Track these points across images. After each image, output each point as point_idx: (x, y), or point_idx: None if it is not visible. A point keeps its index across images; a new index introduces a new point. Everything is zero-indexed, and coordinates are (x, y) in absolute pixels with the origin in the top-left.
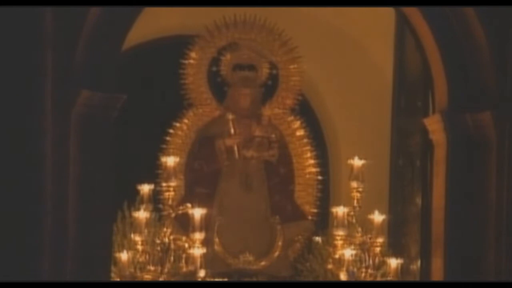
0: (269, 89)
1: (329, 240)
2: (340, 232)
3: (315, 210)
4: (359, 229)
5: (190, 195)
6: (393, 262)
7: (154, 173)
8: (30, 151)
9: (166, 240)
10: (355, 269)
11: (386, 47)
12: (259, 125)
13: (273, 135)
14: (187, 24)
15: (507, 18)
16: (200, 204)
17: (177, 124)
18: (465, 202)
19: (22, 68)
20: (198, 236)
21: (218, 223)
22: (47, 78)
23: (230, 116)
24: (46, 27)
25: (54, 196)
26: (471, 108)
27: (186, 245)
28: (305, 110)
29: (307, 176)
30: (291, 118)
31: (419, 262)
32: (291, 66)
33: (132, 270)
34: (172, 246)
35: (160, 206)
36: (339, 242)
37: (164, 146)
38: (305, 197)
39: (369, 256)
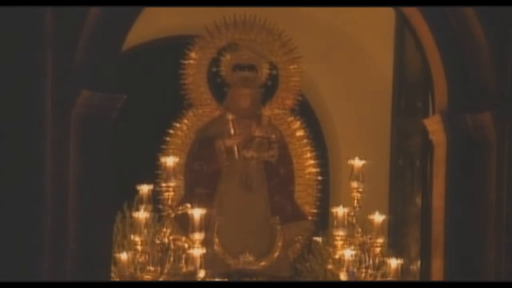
0: (269, 89)
1: (329, 241)
2: (340, 233)
3: (315, 211)
4: (359, 230)
5: (189, 196)
6: (393, 263)
7: (153, 173)
8: (30, 151)
9: (166, 240)
10: (355, 270)
11: (386, 47)
12: (259, 125)
13: (273, 136)
14: (187, 24)
15: (507, 18)
16: (200, 205)
17: (177, 125)
18: (465, 202)
19: (22, 68)
20: (198, 236)
21: (218, 223)
22: (47, 78)
23: (230, 117)
24: (46, 27)
25: (54, 196)
26: (471, 109)
27: (186, 245)
28: (305, 111)
29: (307, 176)
30: (291, 118)
31: (419, 262)
32: (291, 67)
33: (132, 270)
34: (172, 246)
35: (160, 206)
36: (339, 243)
37: (163, 146)
38: (305, 197)
39: (369, 257)
